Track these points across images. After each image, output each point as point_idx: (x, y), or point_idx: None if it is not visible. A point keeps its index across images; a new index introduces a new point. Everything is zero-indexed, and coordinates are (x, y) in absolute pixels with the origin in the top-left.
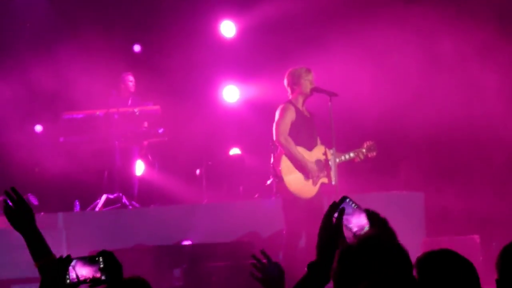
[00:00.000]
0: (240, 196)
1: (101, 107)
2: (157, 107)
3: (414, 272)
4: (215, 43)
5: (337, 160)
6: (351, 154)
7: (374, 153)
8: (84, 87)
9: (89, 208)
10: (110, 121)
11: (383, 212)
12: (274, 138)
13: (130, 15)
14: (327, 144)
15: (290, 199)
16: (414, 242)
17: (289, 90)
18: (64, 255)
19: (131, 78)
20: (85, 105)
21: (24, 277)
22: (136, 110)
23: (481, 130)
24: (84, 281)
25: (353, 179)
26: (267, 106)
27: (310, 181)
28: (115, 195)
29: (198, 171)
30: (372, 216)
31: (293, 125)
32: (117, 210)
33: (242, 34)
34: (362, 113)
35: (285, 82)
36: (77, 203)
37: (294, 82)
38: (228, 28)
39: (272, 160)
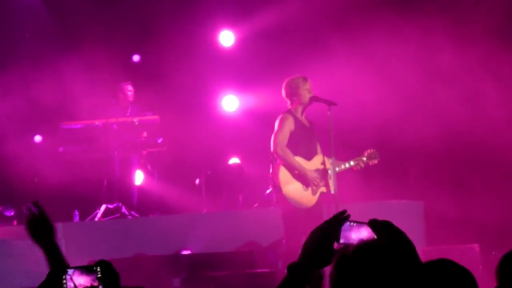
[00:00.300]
0: (240, 205)
1: (100, 117)
2: (156, 117)
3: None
4: (214, 52)
5: (337, 169)
6: (351, 163)
7: (376, 161)
8: (83, 97)
9: (88, 218)
10: (109, 131)
11: None
12: (272, 149)
13: (129, 25)
14: (327, 153)
15: (289, 209)
16: None
17: (288, 101)
18: None
19: (130, 87)
20: (84, 115)
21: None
22: (135, 120)
23: (480, 139)
24: None
25: (353, 188)
26: (267, 115)
27: (309, 190)
28: (114, 205)
29: (197, 181)
30: (385, 226)
31: (292, 135)
32: (117, 220)
33: (241, 43)
34: (362, 122)
35: (283, 93)
36: (77, 213)
37: (293, 93)
38: (226, 38)
39: (271, 170)
